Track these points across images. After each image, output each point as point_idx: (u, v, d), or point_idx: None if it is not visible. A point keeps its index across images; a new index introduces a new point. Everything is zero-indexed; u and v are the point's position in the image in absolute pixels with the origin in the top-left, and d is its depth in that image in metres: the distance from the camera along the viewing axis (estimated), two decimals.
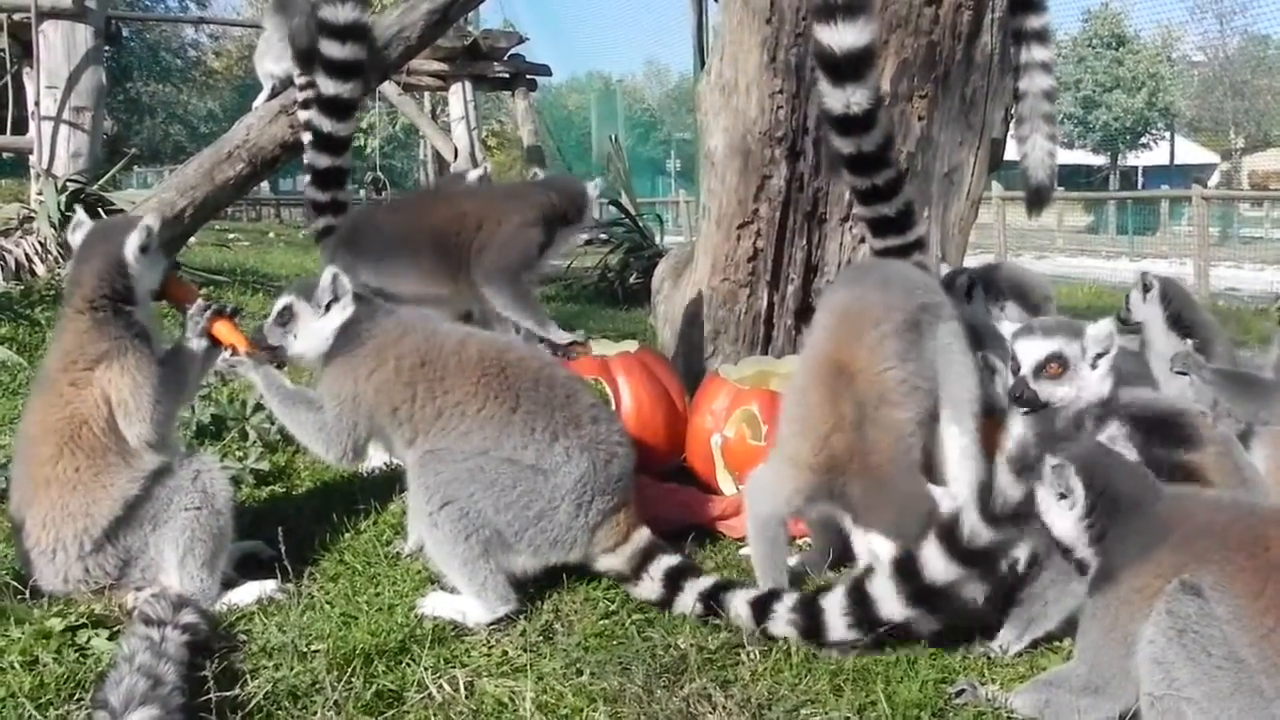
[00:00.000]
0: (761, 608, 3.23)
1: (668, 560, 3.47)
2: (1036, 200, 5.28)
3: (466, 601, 3.33)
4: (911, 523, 3.23)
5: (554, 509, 3.41)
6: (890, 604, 3.05)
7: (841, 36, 3.77)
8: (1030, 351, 3.25)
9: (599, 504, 3.47)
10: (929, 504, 3.34)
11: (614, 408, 4.29)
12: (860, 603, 3.09)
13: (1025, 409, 3.26)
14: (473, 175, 6.69)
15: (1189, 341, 4.27)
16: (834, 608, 3.12)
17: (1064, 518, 2.77)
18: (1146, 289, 4.53)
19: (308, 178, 5.26)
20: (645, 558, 3.48)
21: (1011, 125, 5.20)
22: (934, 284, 3.93)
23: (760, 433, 4.21)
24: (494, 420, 3.44)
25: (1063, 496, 2.76)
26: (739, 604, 3.27)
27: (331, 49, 4.98)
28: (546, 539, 3.42)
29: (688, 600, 3.36)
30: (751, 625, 3.22)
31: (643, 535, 3.53)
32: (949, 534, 2.94)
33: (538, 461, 3.43)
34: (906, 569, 3.02)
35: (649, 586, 3.44)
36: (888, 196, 4.00)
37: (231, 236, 16.39)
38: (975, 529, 2.87)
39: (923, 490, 3.41)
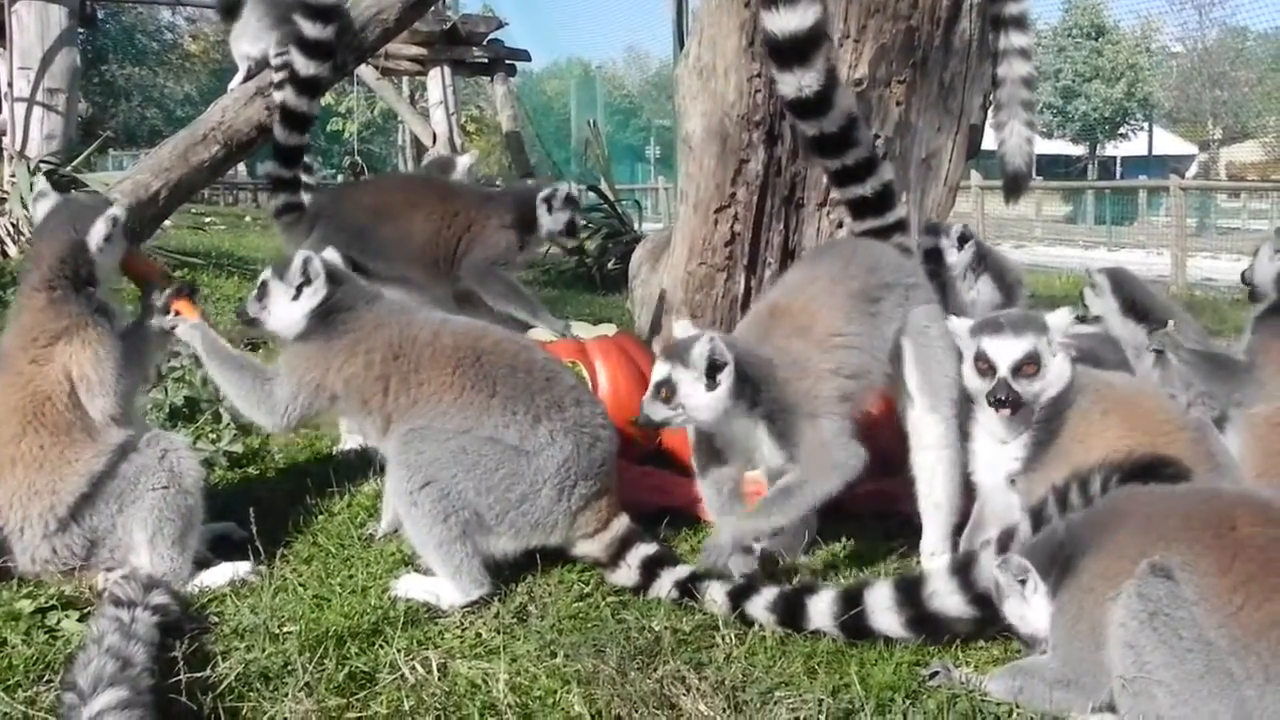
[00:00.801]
0: (738, 598, 3.23)
1: (645, 549, 3.47)
2: (1014, 187, 5.29)
3: (440, 584, 3.32)
4: (820, 467, 3.40)
5: (536, 492, 3.40)
6: (886, 618, 3.07)
7: (784, 21, 3.76)
8: (1006, 352, 3.25)
9: (581, 488, 3.46)
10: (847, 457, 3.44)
11: (591, 391, 4.27)
12: (851, 607, 3.10)
13: (1008, 410, 3.26)
14: (463, 161, 6.64)
15: (1144, 326, 4.31)
16: (822, 608, 3.12)
17: (1038, 605, 2.79)
18: (1095, 285, 4.57)
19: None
20: (623, 545, 3.48)
21: (990, 111, 5.20)
22: (911, 267, 3.93)
23: None
24: (473, 406, 3.43)
25: (1023, 584, 2.78)
26: (716, 592, 3.27)
27: (309, 28, 4.99)
28: (527, 521, 3.41)
29: (664, 586, 3.36)
30: (728, 613, 3.22)
31: (622, 523, 3.53)
32: (963, 569, 3.00)
33: (520, 443, 3.42)
34: (910, 593, 3.06)
35: (626, 573, 3.44)
36: (861, 177, 3.99)
37: (207, 220, 16.30)
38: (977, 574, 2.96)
39: (840, 442, 3.47)
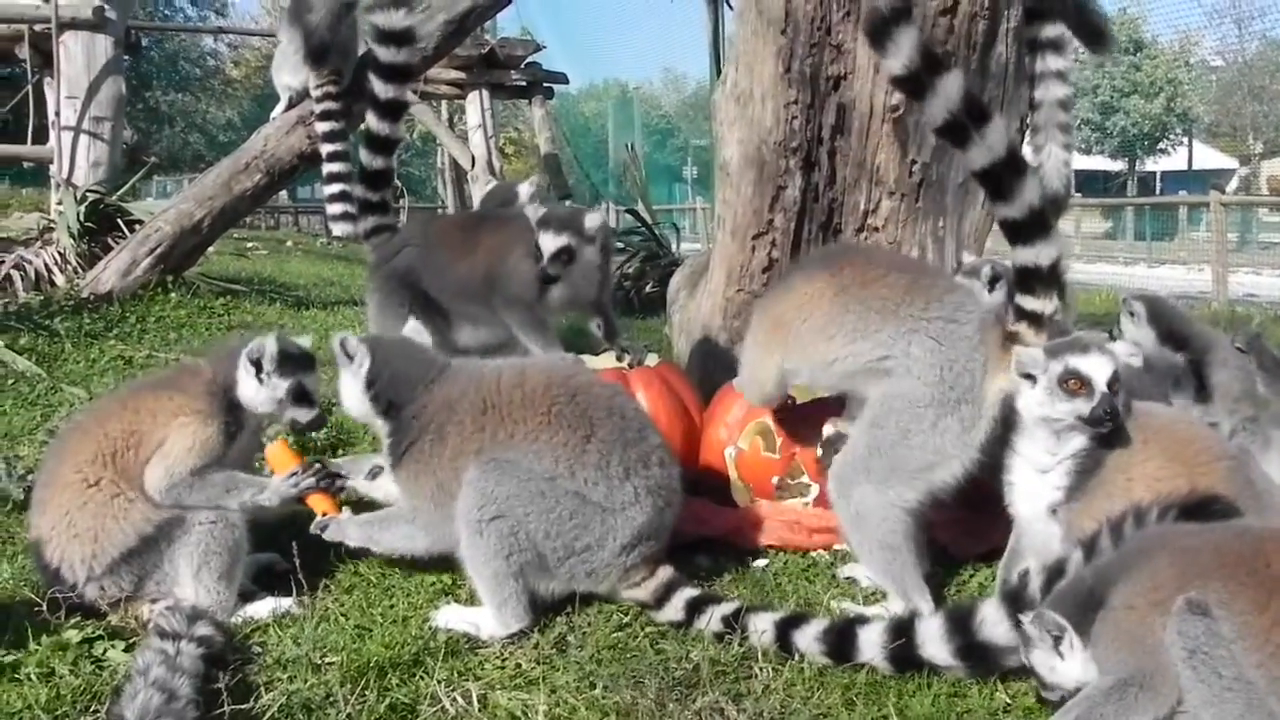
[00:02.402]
0: (786, 629, 3.21)
1: (690, 592, 3.44)
2: (1052, 209, 5.22)
3: (481, 614, 3.33)
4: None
5: (601, 545, 3.41)
6: (936, 647, 3.05)
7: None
8: (1102, 368, 3.21)
9: (643, 548, 3.46)
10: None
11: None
12: (901, 637, 3.08)
13: (1109, 427, 3.20)
14: (524, 190, 6.64)
15: (1182, 355, 4.27)
16: (872, 639, 3.10)
17: (1074, 661, 2.73)
18: (1133, 314, 4.51)
19: (328, 183, 5.27)
20: (668, 590, 3.44)
21: (1027, 134, 5.18)
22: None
23: (774, 445, 4.20)
24: (567, 446, 3.42)
25: (1057, 641, 2.73)
26: (763, 622, 3.23)
27: (385, 53, 5.07)
28: (584, 570, 3.42)
29: (707, 620, 3.33)
30: (773, 644, 3.20)
31: (666, 571, 3.50)
32: (1015, 598, 2.96)
33: (605, 500, 3.42)
34: (960, 623, 3.04)
35: (671, 612, 3.42)
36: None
37: (249, 245, 16.41)
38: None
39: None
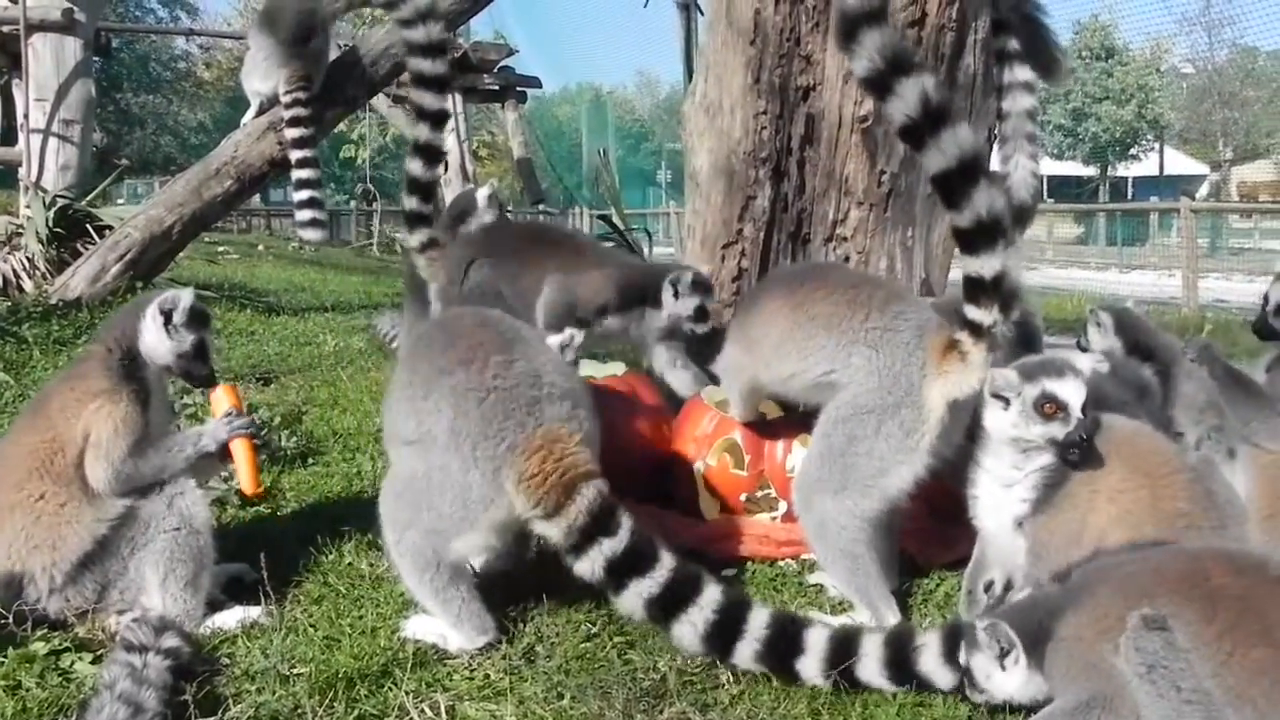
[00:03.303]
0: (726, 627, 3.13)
1: (610, 545, 3.11)
2: (1020, 219, 5.30)
3: (447, 627, 3.34)
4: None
5: (448, 478, 3.25)
6: (871, 669, 3.04)
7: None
8: (1077, 392, 3.21)
9: (484, 449, 3.23)
10: None
11: None
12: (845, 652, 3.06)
13: (1078, 455, 3.22)
14: (482, 195, 6.67)
15: (1148, 366, 4.30)
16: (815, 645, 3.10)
17: (1013, 676, 2.76)
18: (1099, 325, 4.55)
19: (297, 190, 5.20)
20: (586, 535, 3.12)
21: (995, 145, 5.23)
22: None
23: (743, 462, 4.20)
24: (398, 402, 3.46)
25: (1004, 654, 2.77)
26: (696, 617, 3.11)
27: (427, 66, 5.02)
28: (460, 509, 3.25)
29: (631, 601, 3.14)
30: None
31: (588, 498, 3.15)
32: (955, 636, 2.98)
33: (418, 431, 3.33)
34: (899, 649, 3.04)
35: (586, 567, 3.15)
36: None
37: (220, 250, 16.37)
38: None
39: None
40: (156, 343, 3.55)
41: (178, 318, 3.54)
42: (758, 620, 3.11)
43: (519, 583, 3.59)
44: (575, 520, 3.14)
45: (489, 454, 3.21)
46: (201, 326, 3.62)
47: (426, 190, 5.22)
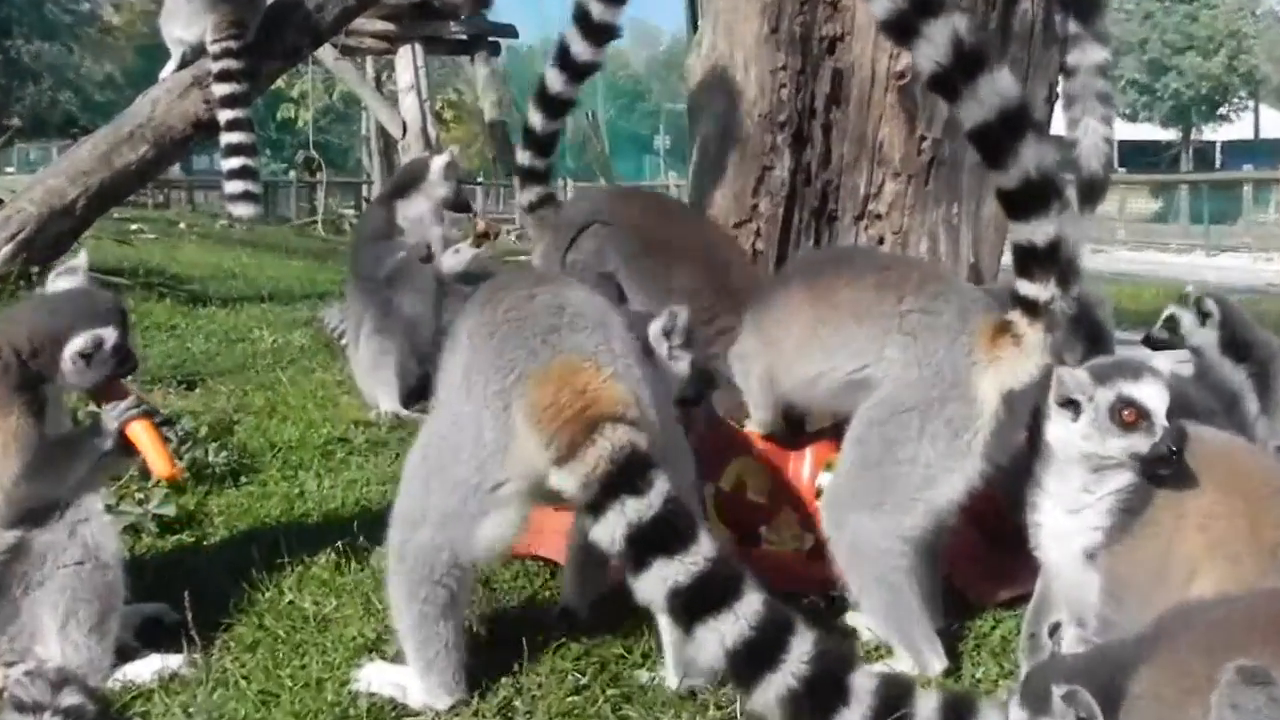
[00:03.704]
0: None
1: (636, 505, 2.92)
2: (1090, 194, 5.30)
3: (410, 674, 3.33)
4: None
5: (462, 433, 3.20)
6: None
7: None
8: (1161, 397, 3.16)
9: (494, 383, 3.17)
10: None
11: None
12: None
13: (1169, 470, 3.17)
14: (436, 166, 6.68)
15: (1241, 366, 4.33)
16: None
17: None
18: (1205, 314, 4.57)
19: (227, 156, 5.13)
20: (607, 490, 2.95)
21: (1059, 105, 5.24)
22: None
23: (763, 486, 4.20)
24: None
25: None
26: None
27: (597, 9, 4.98)
28: (476, 472, 3.17)
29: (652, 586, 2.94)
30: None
31: (611, 440, 2.96)
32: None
33: (442, 389, 3.36)
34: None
35: (604, 532, 2.97)
36: None
37: (134, 228, 16.34)
38: None
39: None
40: (75, 377, 3.55)
41: (99, 356, 3.54)
42: (800, 648, 2.88)
43: (496, 621, 3.60)
44: (595, 467, 2.93)
45: (498, 388, 3.13)
46: (126, 360, 3.62)
47: (544, 145, 5.33)
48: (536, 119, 5.23)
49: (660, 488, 2.92)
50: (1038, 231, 3.34)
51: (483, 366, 3.17)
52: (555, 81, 5.10)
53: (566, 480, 2.97)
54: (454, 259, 6.61)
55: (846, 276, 3.82)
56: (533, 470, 3.07)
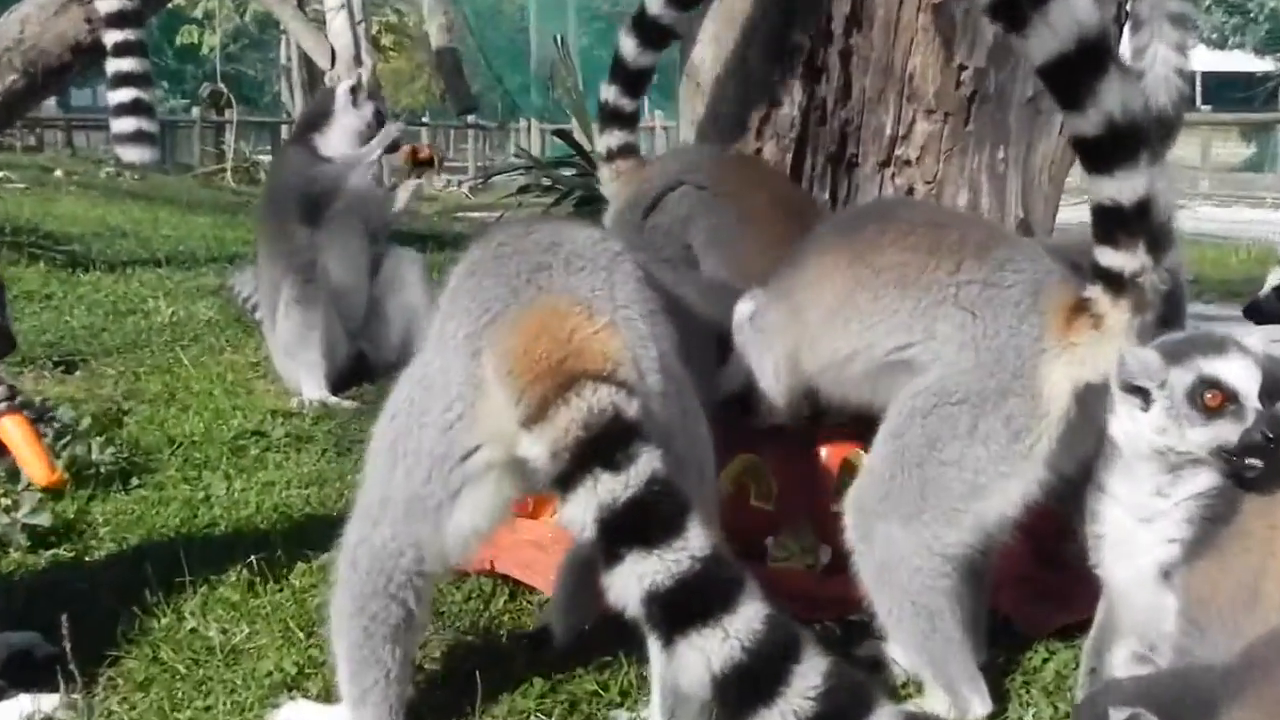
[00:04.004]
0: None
1: (610, 482, 2.81)
2: (1160, 135, 5.32)
3: (339, 715, 3.32)
4: None
5: (431, 392, 3.18)
6: None
7: None
8: (1251, 376, 3.12)
9: (466, 325, 3.16)
10: None
11: None
12: None
13: (1265, 462, 3.14)
14: (341, 93, 6.67)
15: None
16: None
17: None
18: None
19: (114, 87, 5.09)
20: (578, 460, 2.84)
21: (1126, 30, 5.24)
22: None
23: (769, 490, 4.23)
24: None
25: None
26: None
27: None
28: (444, 442, 3.12)
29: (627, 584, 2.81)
30: None
31: (588, 401, 2.89)
32: None
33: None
34: None
35: (575, 510, 2.86)
36: None
37: (0, 176, 16.32)
38: None
39: None
40: None
41: None
42: (806, 680, 2.69)
43: (445, 651, 3.60)
44: (566, 431, 2.84)
45: (469, 330, 3.09)
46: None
47: (635, 81, 5.18)
48: (629, 47, 5.05)
49: (645, 466, 2.79)
50: (1124, 188, 3.30)
51: (456, 310, 3.14)
52: (656, 3, 4.94)
53: (534, 447, 2.88)
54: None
55: (892, 234, 3.76)
56: (501, 434, 3.00)
